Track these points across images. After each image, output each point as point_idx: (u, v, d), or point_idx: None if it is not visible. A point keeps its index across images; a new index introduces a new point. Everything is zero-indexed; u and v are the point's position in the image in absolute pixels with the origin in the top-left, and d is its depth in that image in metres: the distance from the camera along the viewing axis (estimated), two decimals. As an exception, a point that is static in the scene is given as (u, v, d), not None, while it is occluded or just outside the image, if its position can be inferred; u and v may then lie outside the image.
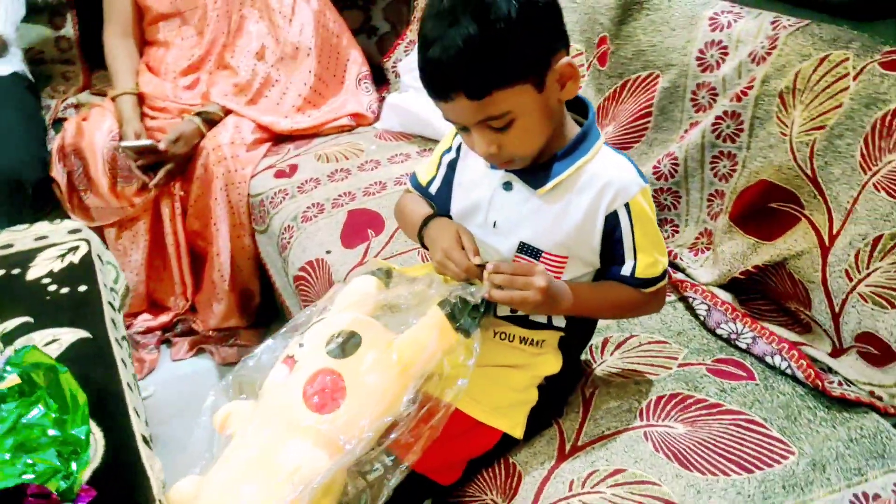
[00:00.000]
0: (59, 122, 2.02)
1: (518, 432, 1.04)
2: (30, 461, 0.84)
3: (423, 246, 1.05)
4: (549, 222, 0.95)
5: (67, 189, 1.88)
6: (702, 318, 1.22)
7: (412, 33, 2.16)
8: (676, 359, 1.15)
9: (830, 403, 1.06)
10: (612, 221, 0.94)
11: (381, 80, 2.21)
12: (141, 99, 1.93)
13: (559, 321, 1.02)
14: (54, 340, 1.19)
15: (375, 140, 1.89)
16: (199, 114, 1.87)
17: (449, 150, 1.07)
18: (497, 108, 0.85)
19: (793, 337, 1.15)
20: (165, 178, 1.84)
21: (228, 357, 1.93)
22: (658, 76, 1.40)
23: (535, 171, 0.95)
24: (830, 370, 1.10)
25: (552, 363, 1.05)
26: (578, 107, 0.98)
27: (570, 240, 0.95)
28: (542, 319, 1.02)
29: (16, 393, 0.93)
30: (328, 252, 1.50)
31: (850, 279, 1.08)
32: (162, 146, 1.79)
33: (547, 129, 0.92)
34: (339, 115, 2.00)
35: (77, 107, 2.10)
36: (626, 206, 0.93)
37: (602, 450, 1.01)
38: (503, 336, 1.03)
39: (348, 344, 0.93)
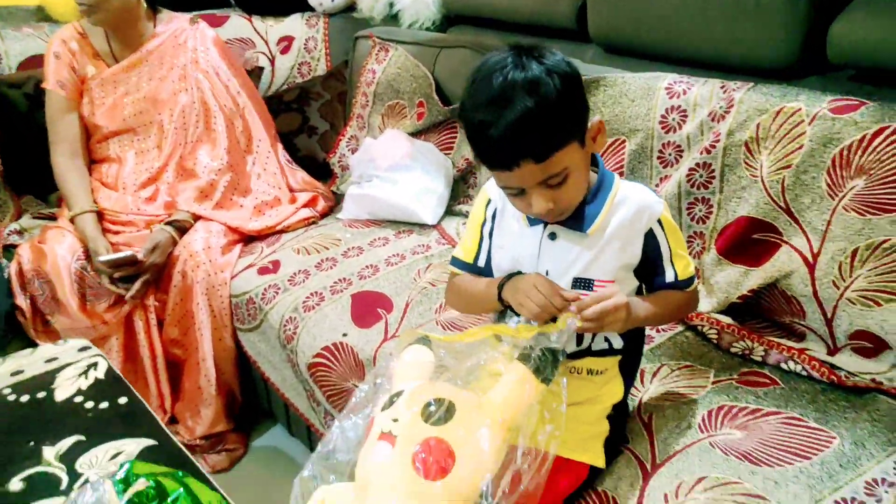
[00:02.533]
0: (7, 249, 1.95)
1: (601, 462, 1.14)
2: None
3: (503, 304, 1.14)
4: (596, 255, 1.09)
5: (31, 315, 1.81)
6: (715, 342, 1.39)
7: (352, 129, 2.29)
8: (708, 377, 1.31)
9: (846, 393, 1.24)
10: (650, 239, 1.09)
11: (325, 175, 2.31)
12: (100, 216, 1.92)
13: (618, 344, 1.14)
14: (119, 453, 1.17)
15: (346, 229, 1.97)
16: (170, 223, 1.88)
17: (485, 221, 1.18)
18: (557, 167, 0.99)
19: (795, 345, 1.34)
20: (142, 289, 1.82)
21: (218, 464, 1.89)
22: (625, 140, 1.60)
23: (571, 219, 1.08)
24: (834, 367, 1.29)
25: (617, 391, 1.17)
26: None
27: (615, 265, 1.09)
28: (604, 346, 1.14)
29: (153, 497, 0.93)
30: (345, 335, 1.55)
31: (838, 288, 1.29)
32: (141, 256, 1.78)
33: (588, 179, 1.07)
34: (303, 205, 2.08)
35: (20, 233, 2.03)
36: (659, 221, 1.09)
37: (679, 463, 1.13)
38: (572, 370, 1.13)
39: (444, 411, 0.99)
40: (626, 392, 1.20)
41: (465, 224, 1.85)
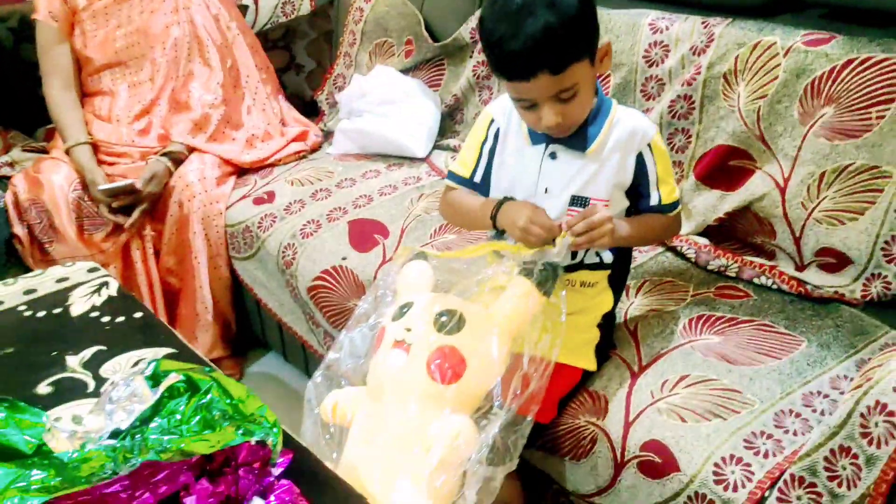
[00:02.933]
0: (1, 180, 1.97)
1: (593, 366, 1.25)
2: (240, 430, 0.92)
3: (496, 229, 1.22)
4: (593, 175, 1.18)
5: (29, 243, 1.85)
6: (693, 261, 1.50)
7: (339, 67, 2.33)
8: (688, 291, 1.42)
9: (812, 303, 1.36)
10: (640, 161, 1.19)
11: (312, 112, 2.35)
12: (94, 148, 1.95)
13: (608, 258, 1.24)
14: (141, 360, 1.24)
15: (338, 163, 2.03)
16: (165, 154, 1.92)
17: (486, 140, 1.26)
18: (570, 80, 1.07)
19: (766, 262, 1.45)
20: (140, 219, 1.87)
21: (215, 389, 1.96)
22: (609, 75, 1.68)
23: (573, 137, 1.16)
24: (802, 281, 1.40)
25: (607, 301, 1.27)
26: None
27: (610, 184, 1.18)
28: (595, 260, 1.23)
29: (185, 390, 1.00)
30: (344, 258, 1.63)
31: (806, 209, 1.40)
32: (139, 185, 1.83)
33: (593, 98, 1.15)
34: (291, 139, 2.13)
35: (11, 165, 2.05)
36: (649, 146, 1.18)
37: (663, 364, 1.24)
38: (567, 283, 1.23)
39: (456, 321, 1.08)
40: (615, 303, 1.30)
41: (454, 156, 1.94)
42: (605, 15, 1.70)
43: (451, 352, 1.06)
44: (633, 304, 1.39)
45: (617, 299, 1.30)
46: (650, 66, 1.62)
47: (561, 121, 1.11)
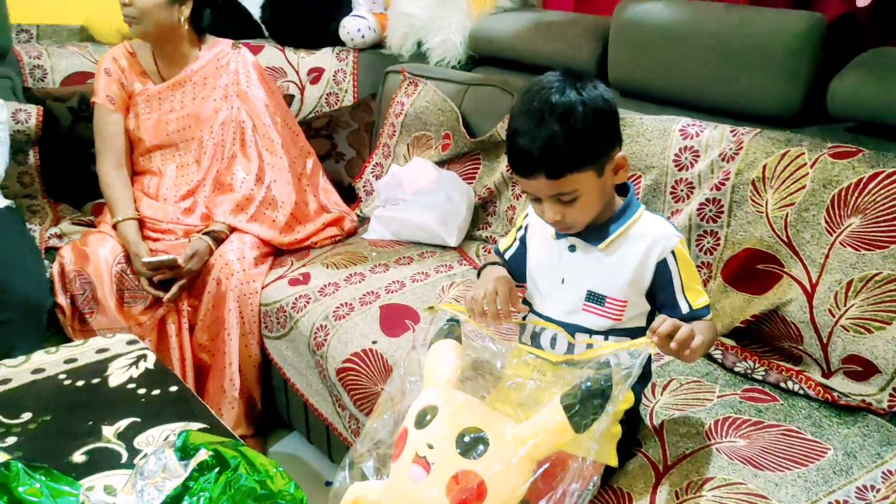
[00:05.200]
0: (49, 251, 2.05)
1: (615, 462, 1.24)
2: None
3: None
4: (609, 271, 1.21)
5: (70, 313, 1.91)
6: (719, 361, 1.51)
7: (378, 157, 2.43)
8: (714, 392, 1.42)
9: (839, 411, 1.36)
10: (662, 268, 1.20)
11: (350, 199, 2.43)
12: (140, 224, 2.03)
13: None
14: (171, 435, 1.27)
15: (372, 248, 2.09)
16: (207, 233, 2.00)
17: (521, 228, 1.35)
18: (568, 187, 1.13)
19: (793, 367, 1.46)
20: (178, 294, 1.93)
21: (238, 466, 1.97)
22: (640, 176, 1.73)
23: (593, 233, 1.21)
24: (828, 387, 1.41)
25: (628, 398, 1.28)
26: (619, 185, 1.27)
27: (627, 285, 1.20)
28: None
29: (213, 465, 1.02)
30: (374, 342, 1.66)
31: (833, 315, 1.42)
32: (181, 261, 1.89)
33: (600, 204, 1.19)
34: (327, 223, 2.21)
35: (60, 237, 2.14)
36: (672, 253, 1.20)
37: (689, 465, 1.24)
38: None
39: (478, 444, 1.06)
40: (638, 401, 1.31)
41: (485, 248, 2.00)
42: (636, 120, 1.77)
43: (473, 478, 1.05)
44: (659, 403, 1.40)
45: (639, 396, 1.32)
46: (680, 169, 1.68)
47: (559, 219, 1.17)
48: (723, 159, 1.60)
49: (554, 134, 1.09)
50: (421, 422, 1.12)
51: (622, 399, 1.08)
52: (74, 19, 2.77)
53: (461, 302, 1.37)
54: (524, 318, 1.31)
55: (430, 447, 1.08)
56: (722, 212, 1.59)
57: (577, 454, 1.06)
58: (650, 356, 1.32)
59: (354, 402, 1.67)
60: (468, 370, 1.21)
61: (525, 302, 1.34)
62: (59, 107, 2.36)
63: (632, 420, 1.30)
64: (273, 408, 2.10)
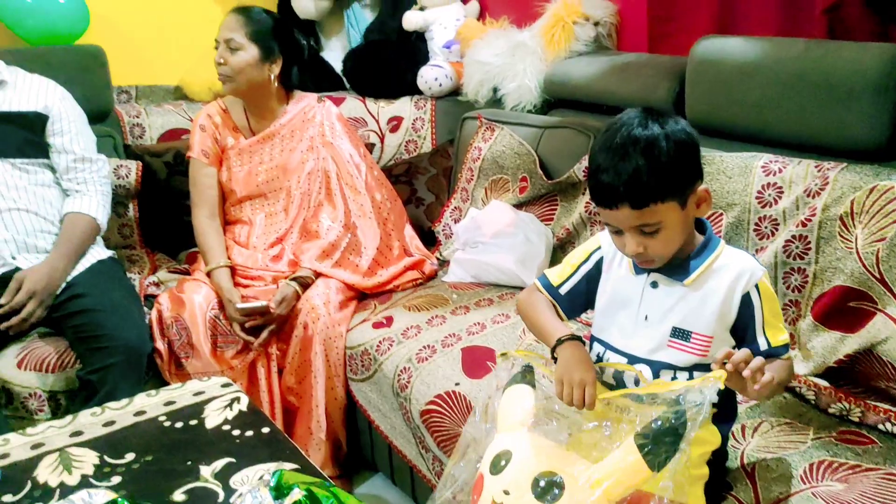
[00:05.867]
0: (148, 298, 2.16)
1: (703, 504, 1.23)
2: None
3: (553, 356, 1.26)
4: (696, 307, 1.20)
5: (167, 357, 2.01)
6: (813, 402, 1.47)
7: (456, 201, 2.48)
8: (808, 434, 1.38)
9: (945, 454, 1.30)
10: (746, 302, 1.18)
11: (429, 242, 2.48)
12: (232, 271, 2.13)
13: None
14: (266, 474, 1.31)
15: (452, 291, 2.12)
16: (294, 278, 2.07)
17: (585, 262, 1.33)
18: (651, 218, 1.13)
19: (892, 408, 1.41)
20: (268, 338, 2.00)
21: (324, 508, 2.01)
22: (722, 214, 1.72)
23: (675, 269, 1.21)
24: (932, 430, 1.35)
25: (714, 438, 1.25)
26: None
27: (715, 320, 1.19)
28: None
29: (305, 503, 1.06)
30: (457, 384, 1.69)
31: (933, 354, 1.36)
32: (272, 306, 1.97)
33: (682, 238, 1.19)
34: (409, 267, 2.26)
35: (157, 285, 2.25)
36: (757, 287, 1.18)
37: (783, 510, 1.20)
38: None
39: (552, 486, 1.07)
40: (725, 441, 1.29)
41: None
42: (716, 157, 1.76)
43: None
44: (750, 445, 1.37)
45: (726, 436, 1.29)
46: (763, 206, 1.66)
47: (642, 252, 1.16)
48: (808, 195, 1.58)
49: (638, 166, 1.11)
50: (496, 467, 1.13)
51: (693, 435, 1.06)
52: (170, 80, 2.96)
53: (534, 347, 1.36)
54: (600, 358, 1.30)
55: (507, 493, 1.09)
56: (809, 248, 1.56)
57: (654, 493, 1.06)
58: (734, 394, 1.30)
59: (438, 443, 1.69)
60: (542, 414, 1.22)
61: (594, 338, 1.34)
62: (156, 161, 2.51)
63: (719, 461, 1.28)
64: (358, 449, 2.13)
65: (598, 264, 1.32)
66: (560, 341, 1.25)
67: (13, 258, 1.96)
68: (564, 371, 1.19)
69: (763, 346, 1.19)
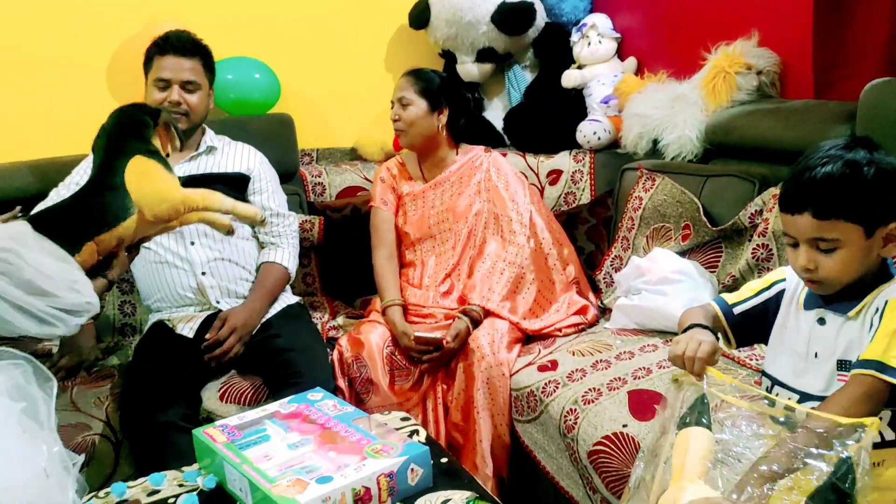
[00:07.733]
0: (329, 340, 2.35)
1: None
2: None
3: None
4: (856, 338, 1.19)
5: (349, 394, 2.17)
6: None
7: (617, 249, 2.53)
8: None
9: None
10: (876, 317, 1.17)
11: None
12: (404, 309, 2.30)
13: (889, 436, 1.18)
14: (449, 500, 1.41)
15: (616, 337, 2.16)
16: (464, 312, 2.21)
17: (766, 289, 1.35)
18: (830, 233, 1.14)
19: None
20: (436, 365, 2.17)
21: (492, 546, 2.07)
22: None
23: (841, 303, 1.20)
24: None
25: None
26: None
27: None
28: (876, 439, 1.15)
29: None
30: (625, 426, 1.72)
31: None
32: (448, 338, 2.14)
33: (859, 269, 1.18)
34: (572, 312, 2.33)
35: (337, 328, 2.45)
36: (886, 302, 1.16)
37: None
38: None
39: None
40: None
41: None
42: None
43: None
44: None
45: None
46: None
47: (812, 269, 1.17)
48: None
49: (832, 175, 1.13)
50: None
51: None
52: (346, 142, 3.24)
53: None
54: (770, 391, 1.30)
55: None
56: None
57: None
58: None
59: (606, 484, 1.72)
60: (719, 455, 1.23)
61: (763, 373, 1.34)
62: (336, 216, 2.75)
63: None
64: (521, 490, 2.19)
65: (779, 296, 1.34)
66: (689, 327, 1.29)
67: (217, 302, 2.21)
68: (680, 339, 1.23)
69: (864, 354, 1.14)
